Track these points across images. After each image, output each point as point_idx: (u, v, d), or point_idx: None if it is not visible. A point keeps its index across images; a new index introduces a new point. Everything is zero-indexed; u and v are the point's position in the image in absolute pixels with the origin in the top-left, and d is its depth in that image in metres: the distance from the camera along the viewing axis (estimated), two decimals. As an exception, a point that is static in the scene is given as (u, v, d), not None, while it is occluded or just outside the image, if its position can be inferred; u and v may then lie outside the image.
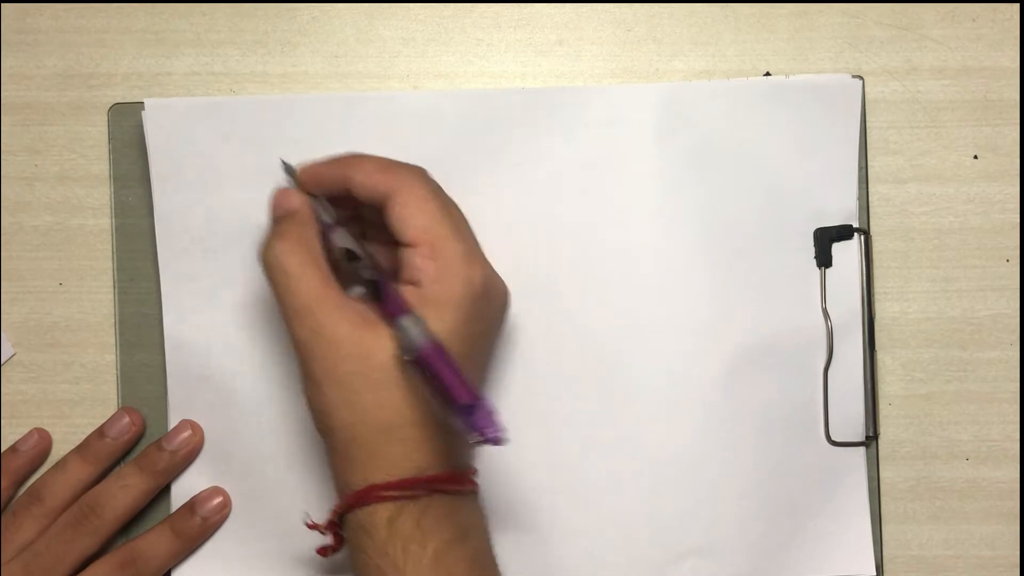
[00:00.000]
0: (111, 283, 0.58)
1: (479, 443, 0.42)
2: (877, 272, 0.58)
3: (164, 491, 0.57)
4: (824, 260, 0.57)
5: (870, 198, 0.58)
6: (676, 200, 0.57)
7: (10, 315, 0.58)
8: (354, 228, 0.51)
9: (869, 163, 0.58)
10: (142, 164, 0.58)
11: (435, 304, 0.47)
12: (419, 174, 0.50)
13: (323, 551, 0.50)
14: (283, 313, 0.48)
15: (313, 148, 0.57)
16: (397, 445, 0.47)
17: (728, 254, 0.57)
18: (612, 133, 0.57)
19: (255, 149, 0.57)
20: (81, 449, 0.57)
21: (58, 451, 0.58)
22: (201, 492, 0.57)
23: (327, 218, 0.50)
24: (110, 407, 0.58)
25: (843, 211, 0.57)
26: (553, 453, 0.56)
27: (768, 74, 0.58)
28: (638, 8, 0.58)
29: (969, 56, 0.58)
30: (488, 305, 0.49)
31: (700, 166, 0.57)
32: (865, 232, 0.57)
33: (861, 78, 0.57)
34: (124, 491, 0.55)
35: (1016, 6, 0.58)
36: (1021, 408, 0.58)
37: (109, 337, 0.58)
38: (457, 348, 0.46)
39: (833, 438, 0.57)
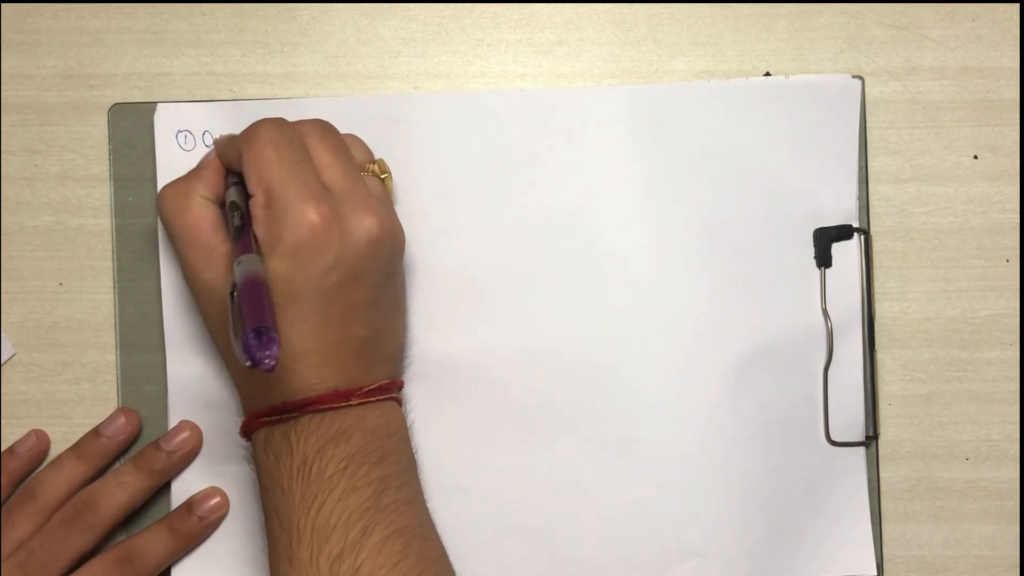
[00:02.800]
0: (111, 283, 0.58)
1: (250, 367, 0.43)
2: (877, 272, 0.58)
3: (164, 490, 0.57)
4: (824, 260, 0.57)
5: (870, 198, 0.58)
6: (676, 200, 0.57)
7: (10, 315, 0.58)
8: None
9: (869, 163, 0.58)
10: (142, 164, 0.58)
11: (268, 247, 0.48)
12: (264, 125, 0.50)
13: None
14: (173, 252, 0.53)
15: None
16: (263, 377, 0.49)
17: (728, 254, 0.57)
18: (611, 134, 0.57)
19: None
20: (76, 448, 0.57)
21: (58, 451, 0.58)
22: (199, 491, 0.57)
23: (231, 178, 0.53)
24: (110, 407, 0.58)
25: (843, 211, 0.57)
26: (554, 454, 0.56)
27: (768, 74, 0.58)
28: (638, 8, 0.58)
29: (969, 56, 0.58)
30: (331, 242, 0.48)
31: (700, 166, 0.57)
32: (865, 232, 0.57)
33: (861, 78, 0.57)
34: (120, 489, 0.55)
35: (1016, 6, 0.58)
36: (1021, 408, 0.58)
37: (109, 337, 0.58)
38: (298, 287, 0.48)
39: (833, 438, 0.57)
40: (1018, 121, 0.58)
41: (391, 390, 0.52)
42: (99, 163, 0.58)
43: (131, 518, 0.57)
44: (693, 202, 0.57)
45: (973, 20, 0.58)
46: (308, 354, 0.49)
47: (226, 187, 0.53)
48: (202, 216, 0.51)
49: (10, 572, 0.54)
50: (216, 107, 0.57)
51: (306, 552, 0.47)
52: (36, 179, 0.59)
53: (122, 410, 0.57)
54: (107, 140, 0.58)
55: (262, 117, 0.51)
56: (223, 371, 0.57)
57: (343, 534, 0.47)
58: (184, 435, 0.57)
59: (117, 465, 0.57)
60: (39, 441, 0.58)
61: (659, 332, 0.56)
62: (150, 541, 0.55)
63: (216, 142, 0.54)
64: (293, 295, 0.48)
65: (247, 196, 0.50)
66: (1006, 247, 0.58)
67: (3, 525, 0.55)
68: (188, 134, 0.57)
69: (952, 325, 0.58)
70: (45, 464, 0.57)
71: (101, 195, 0.58)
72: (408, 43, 0.59)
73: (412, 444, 0.52)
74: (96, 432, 0.57)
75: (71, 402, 0.58)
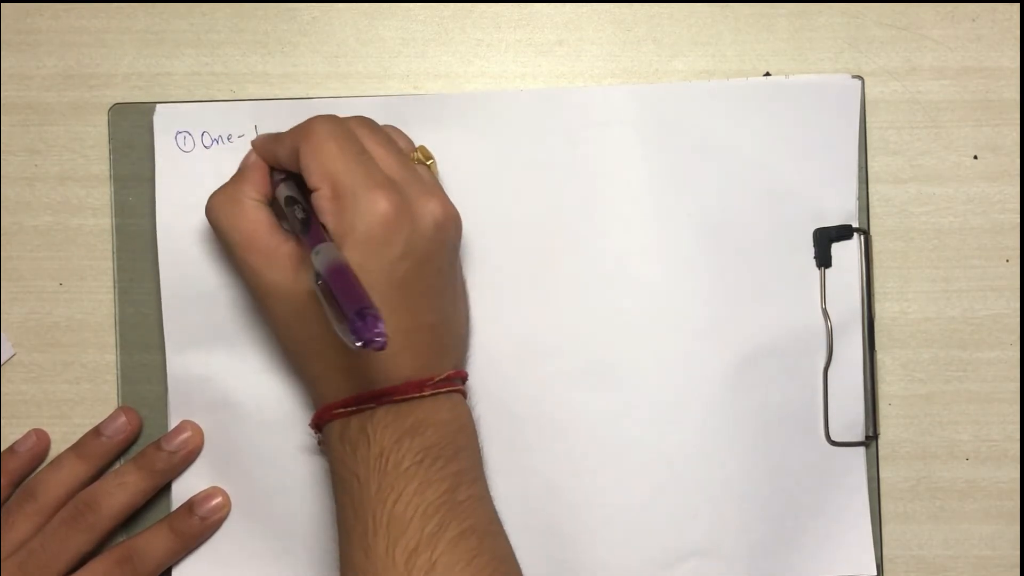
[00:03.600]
0: (111, 283, 0.58)
1: (360, 348, 0.43)
2: (877, 272, 0.58)
3: (165, 490, 0.57)
4: (824, 260, 0.57)
5: (870, 198, 0.58)
6: (676, 200, 0.57)
7: (10, 315, 0.58)
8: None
9: (869, 163, 0.58)
10: (142, 164, 0.58)
11: (339, 238, 0.48)
12: (320, 121, 0.51)
13: None
14: (229, 260, 0.53)
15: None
16: (336, 370, 0.50)
17: (728, 254, 0.57)
18: (612, 134, 0.57)
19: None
20: (77, 447, 0.57)
21: (58, 451, 0.58)
22: (200, 492, 0.57)
23: (276, 176, 0.53)
24: (110, 407, 0.58)
25: (843, 211, 0.57)
26: (555, 454, 0.56)
27: (768, 74, 0.58)
28: (638, 8, 0.58)
29: (969, 56, 0.58)
30: (402, 227, 0.49)
31: (700, 166, 0.57)
32: (865, 232, 0.57)
33: (861, 78, 0.57)
34: (121, 489, 0.55)
35: (1016, 6, 0.58)
36: (1021, 408, 0.58)
37: (109, 337, 0.58)
38: (372, 278, 0.48)
39: (833, 438, 0.57)
40: (1018, 121, 0.58)
41: (457, 381, 0.52)
42: (99, 163, 0.58)
43: (132, 518, 0.57)
44: (693, 202, 0.57)
45: (973, 20, 0.58)
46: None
47: (274, 185, 0.53)
48: (257, 219, 0.51)
49: (10, 572, 0.54)
50: (215, 107, 0.57)
51: (382, 543, 0.47)
52: (36, 179, 0.59)
53: (122, 409, 0.57)
54: (107, 140, 0.58)
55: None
56: (223, 371, 0.57)
57: (419, 528, 0.47)
58: (185, 435, 0.57)
59: (118, 465, 0.57)
60: (39, 441, 0.58)
61: (659, 331, 0.56)
62: (151, 541, 0.56)
63: (257, 143, 0.54)
64: (366, 284, 0.47)
65: (301, 191, 0.51)
66: (1006, 247, 0.58)
67: (3, 525, 0.55)
68: (187, 134, 0.57)
69: (952, 325, 0.58)
70: (45, 464, 0.57)
71: (101, 195, 0.58)
72: (408, 43, 0.59)
73: (479, 440, 0.53)
74: (96, 431, 0.57)
75: (71, 402, 0.58)
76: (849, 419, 0.57)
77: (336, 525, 0.50)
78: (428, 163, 0.54)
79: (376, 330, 0.43)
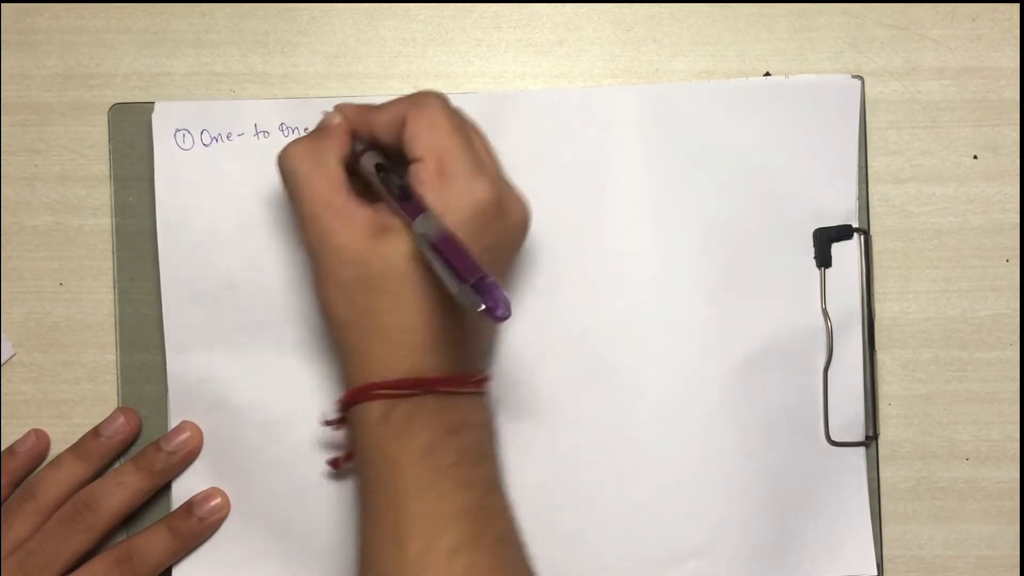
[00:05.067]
0: (111, 283, 0.58)
1: (488, 317, 0.42)
2: (877, 272, 0.58)
3: (164, 490, 0.57)
4: (824, 260, 0.57)
5: (870, 198, 0.58)
6: (675, 201, 0.57)
7: (10, 315, 0.58)
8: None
9: (869, 163, 0.58)
10: (142, 164, 0.58)
11: (437, 215, 0.47)
12: (434, 96, 0.50)
13: (334, 463, 0.55)
14: (295, 216, 0.50)
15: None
16: (392, 347, 0.48)
17: (728, 255, 0.57)
18: (612, 134, 0.57)
19: (260, 152, 0.57)
20: (76, 448, 0.57)
21: (58, 452, 0.58)
22: (199, 492, 0.57)
23: (359, 145, 0.51)
24: (110, 407, 0.58)
25: (843, 211, 0.57)
26: (555, 455, 0.56)
27: (768, 74, 0.58)
28: (638, 8, 0.58)
29: (969, 56, 0.58)
30: (495, 220, 0.48)
31: (700, 167, 0.57)
32: (865, 232, 0.57)
33: (861, 78, 0.57)
34: (120, 488, 0.55)
35: (1016, 6, 0.58)
36: (1021, 408, 0.58)
37: (109, 337, 0.58)
38: None
39: (833, 438, 0.57)
40: (1018, 121, 0.58)
41: (486, 384, 0.51)
42: (99, 163, 0.58)
43: (131, 518, 0.57)
44: (693, 202, 0.57)
45: (973, 20, 0.58)
46: (444, 331, 0.48)
47: (359, 152, 0.51)
48: (338, 178, 0.49)
49: (9, 571, 0.54)
50: (215, 105, 0.57)
51: (419, 541, 0.46)
52: (36, 179, 0.59)
53: (121, 410, 0.57)
54: (107, 140, 0.58)
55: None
56: (223, 372, 0.57)
57: (458, 530, 0.46)
58: (185, 436, 0.57)
59: (117, 465, 0.57)
60: (39, 441, 0.58)
61: (659, 332, 0.56)
62: (150, 541, 0.55)
63: (345, 108, 0.52)
64: None
65: (387, 162, 0.50)
66: (1006, 247, 0.58)
67: (3, 524, 0.55)
68: (186, 133, 0.57)
69: (952, 325, 0.58)
70: (45, 464, 0.57)
71: (101, 195, 0.58)
72: (408, 43, 0.59)
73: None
74: (96, 432, 0.57)
75: (71, 402, 0.58)
76: (849, 419, 0.57)
77: (359, 507, 0.49)
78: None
79: (500, 297, 0.42)
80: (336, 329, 0.50)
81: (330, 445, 0.56)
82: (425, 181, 0.48)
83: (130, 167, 0.58)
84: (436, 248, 0.44)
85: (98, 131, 0.58)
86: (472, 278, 0.43)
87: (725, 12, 0.58)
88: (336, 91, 0.58)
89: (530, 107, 0.57)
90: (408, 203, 0.47)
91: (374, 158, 0.51)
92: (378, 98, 0.57)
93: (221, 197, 0.57)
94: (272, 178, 0.57)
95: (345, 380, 0.50)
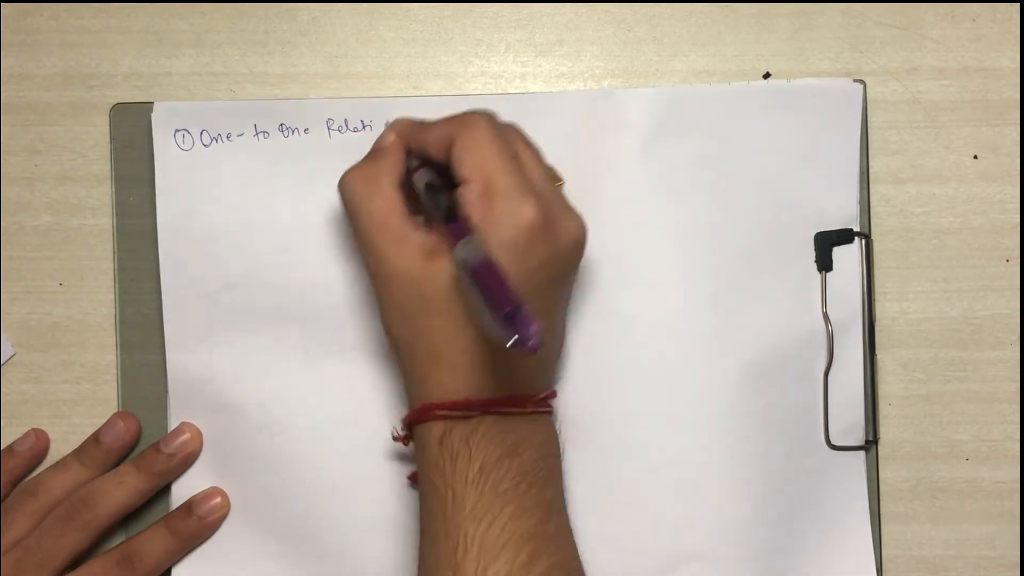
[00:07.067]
0: (111, 283, 0.58)
1: (513, 347, 0.42)
2: (877, 272, 0.58)
3: (164, 491, 0.57)
4: (824, 264, 0.57)
5: (870, 198, 0.58)
6: (676, 204, 0.56)
7: (10, 315, 0.58)
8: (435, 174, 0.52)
9: (869, 164, 0.58)
10: (143, 164, 0.58)
11: (483, 237, 0.47)
12: (481, 116, 0.50)
13: (413, 477, 0.54)
14: (356, 241, 0.52)
15: (314, 150, 0.57)
16: (448, 368, 0.49)
17: (728, 258, 0.56)
18: (612, 137, 0.57)
19: (260, 152, 0.57)
20: (78, 453, 0.57)
21: (57, 451, 0.58)
22: (199, 492, 0.57)
23: (412, 162, 0.52)
24: (110, 407, 0.58)
25: (843, 215, 0.57)
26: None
27: (768, 74, 0.58)
28: (638, 8, 0.58)
29: (969, 56, 0.58)
30: (544, 240, 0.48)
31: (700, 170, 0.57)
32: (866, 236, 0.57)
33: (863, 82, 0.57)
34: (120, 488, 0.55)
35: (1016, 6, 0.58)
36: (1021, 408, 0.58)
37: (109, 337, 0.58)
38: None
39: (833, 442, 0.57)
40: (1018, 121, 0.58)
41: (550, 402, 0.51)
42: (99, 163, 0.58)
43: (131, 518, 0.57)
44: (693, 206, 0.56)
45: (973, 20, 0.58)
46: (500, 351, 0.48)
47: (412, 170, 0.52)
48: (393, 201, 0.50)
49: (7, 569, 0.54)
50: (214, 105, 0.57)
51: (472, 566, 0.46)
52: (36, 179, 0.59)
53: (119, 415, 0.57)
54: (107, 140, 0.58)
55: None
56: (224, 372, 0.57)
57: (511, 557, 0.46)
58: (184, 438, 0.57)
59: (118, 466, 0.57)
60: (38, 440, 0.58)
61: (659, 336, 0.56)
62: (150, 541, 0.56)
63: (399, 125, 0.53)
64: None
65: (440, 181, 0.50)
66: (1006, 247, 0.58)
67: (2, 523, 0.55)
68: (186, 133, 0.57)
69: (952, 325, 0.58)
70: (48, 466, 0.57)
71: (101, 195, 0.58)
72: (408, 43, 0.59)
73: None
74: (96, 438, 0.57)
75: (71, 402, 0.58)
76: (849, 423, 0.57)
77: (420, 527, 0.49)
78: (556, 184, 0.53)
79: (532, 330, 0.42)
80: (398, 351, 0.51)
81: (329, 445, 0.56)
82: (471, 203, 0.48)
83: (130, 167, 0.58)
84: (474, 275, 0.44)
85: (98, 131, 0.58)
86: (505, 308, 0.43)
87: (725, 12, 0.58)
88: (336, 91, 0.58)
89: (530, 110, 0.57)
90: (455, 225, 0.48)
91: (425, 176, 0.51)
92: (378, 98, 0.57)
93: (221, 197, 0.57)
94: (272, 178, 0.57)
95: (408, 400, 0.51)
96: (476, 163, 0.48)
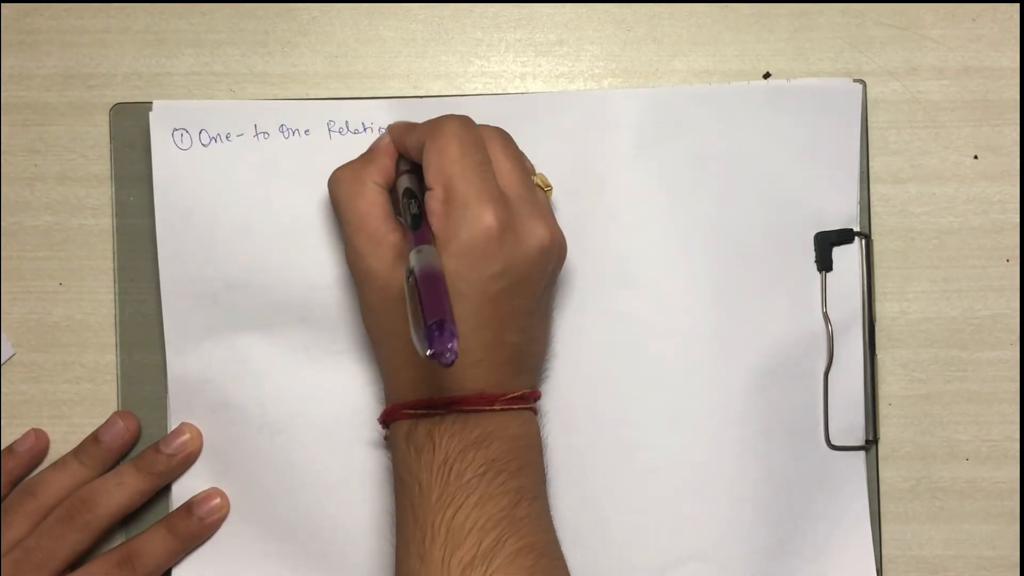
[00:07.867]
0: (111, 283, 0.58)
1: (429, 358, 0.43)
2: (877, 272, 0.58)
3: (164, 491, 0.57)
4: (825, 264, 0.57)
5: (871, 198, 0.58)
6: (676, 204, 0.56)
7: (10, 315, 0.58)
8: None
9: (869, 163, 0.58)
10: (143, 164, 0.58)
11: (442, 243, 0.48)
12: (452, 122, 0.50)
13: None
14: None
15: (314, 150, 0.57)
16: (414, 369, 0.49)
17: (728, 258, 0.56)
18: (612, 138, 0.57)
19: (260, 153, 0.57)
20: (77, 452, 0.57)
21: (57, 451, 0.58)
22: (199, 493, 0.57)
23: (403, 166, 0.52)
24: (110, 407, 0.58)
25: (843, 215, 0.57)
26: (555, 458, 0.56)
27: (768, 74, 0.58)
28: (638, 8, 0.58)
29: (969, 56, 0.58)
30: (503, 246, 0.48)
31: (700, 170, 0.57)
32: (866, 236, 0.57)
33: (863, 82, 0.57)
34: (119, 488, 0.55)
35: (1016, 6, 0.58)
36: (1021, 408, 0.58)
37: (109, 337, 0.58)
38: (465, 289, 0.48)
39: (833, 442, 0.57)
40: (1018, 121, 0.58)
41: (531, 400, 0.51)
42: (99, 163, 0.58)
43: (131, 519, 0.57)
44: (694, 206, 0.56)
45: (973, 20, 0.58)
46: (462, 353, 0.47)
47: (398, 174, 0.52)
48: (375, 203, 0.51)
49: (7, 569, 0.54)
50: (213, 105, 0.57)
51: (439, 553, 0.46)
52: (36, 179, 0.59)
53: (119, 414, 0.57)
54: (107, 140, 0.58)
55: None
56: (223, 373, 0.57)
57: (477, 541, 0.47)
58: (184, 438, 0.57)
59: (117, 466, 0.57)
60: (38, 440, 0.58)
61: (659, 336, 0.56)
62: (150, 542, 0.55)
63: (392, 128, 0.53)
64: (458, 294, 0.47)
65: (422, 186, 0.50)
66: (1006, 247, 0.58)
67: (2, 523, 0.55)
68: (184, 132, 0.57)
69: (952, 325, 0.58)
70: (47, 465, 0.57)
71: (101, 195, 0.58)
72: (408, 43, 0.59)
73: (544, 458, 0.52)
74: (95, 437, 0.57)
75: (71, 402, 0.58)
76: (849, 423, 0.57)
77: (394, 526, 0.50)
78: (545, 190, 0.53)
79: (449, 345, 0.43)
80: (374, 348, 0.53)
81: (329, 445, 0.56)
82: (433, 210, 0.49)
83: (130, 167, 0.58)
84: (416, 283, 0.45)
85: (98, 131, 0.58)
86: (429, 320, 0.43)
87: (725, 12, 0.58)
88: (336, 91, 0.58)
89: (530, 110, 0.57)
90: (418, 232, 0.49)
91: (406, 182, 0.52)
92: (378, 99, 0.57)
93: (220, 197, 0.57)
94: (271, 178, 0.57)
95: (385, 399, 0.52)
96: (439, 169, 0.49)
